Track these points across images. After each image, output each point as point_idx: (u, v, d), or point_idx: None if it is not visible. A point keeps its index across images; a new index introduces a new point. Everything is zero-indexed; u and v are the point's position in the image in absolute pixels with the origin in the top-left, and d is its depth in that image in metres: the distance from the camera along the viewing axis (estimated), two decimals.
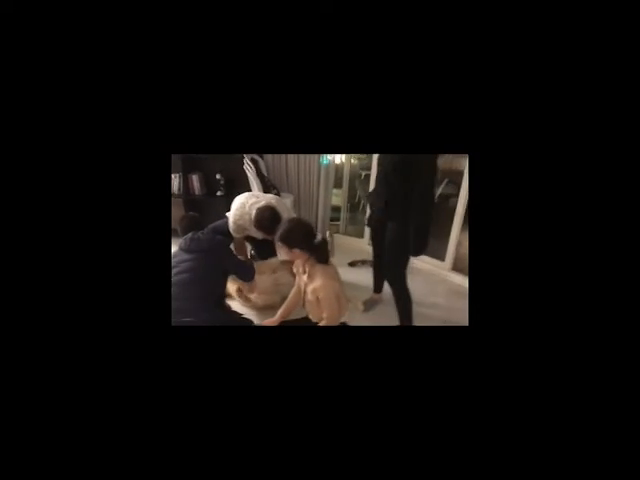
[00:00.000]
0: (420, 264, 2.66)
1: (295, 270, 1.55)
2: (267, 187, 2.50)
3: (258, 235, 1.97)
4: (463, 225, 2.45)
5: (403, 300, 1.73)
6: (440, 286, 2.49)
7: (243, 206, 1.90)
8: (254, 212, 1.81)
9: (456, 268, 2.58)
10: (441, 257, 2.60)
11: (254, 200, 1.91)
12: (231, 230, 1.95)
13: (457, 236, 2.49)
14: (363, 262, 2.70)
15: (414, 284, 1.73)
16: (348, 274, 2.46)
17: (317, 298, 1.42)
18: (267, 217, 1.75)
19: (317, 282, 1.40)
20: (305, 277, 1.45)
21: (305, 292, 1.50)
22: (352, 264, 2.75)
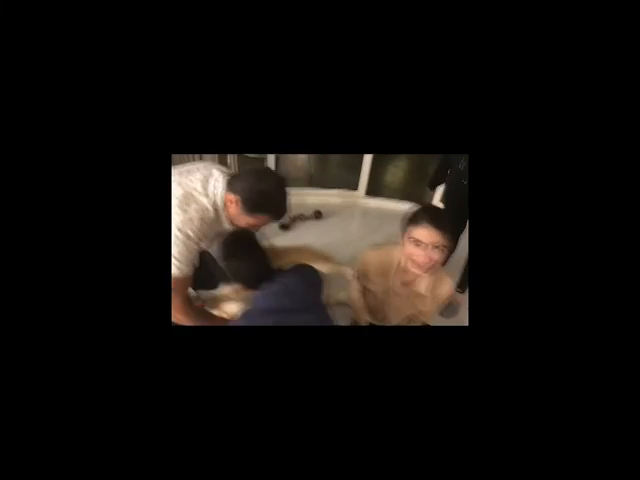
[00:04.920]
0: (333, 199, 2.63)
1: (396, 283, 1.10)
2: None
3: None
4: (374, 155, 2.48)
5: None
6: (357, 217, 2.46)
7: (205, 186, 1.09)
8: (220, 194, 1.09)
9: (370, 193, 2.64)
10: (354, 187, 2.72)
11: (217, 174, 1.14)
12: (184, 240, 1.04)
13: (370, 164, 2.53)
14: (299, 218, 2.01)
15: (335, 222, 1.50)
16: (283, 242, 1.71)
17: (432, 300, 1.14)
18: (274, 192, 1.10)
19: (446, 287, 1.07)
20: (426, 286, 1.09)
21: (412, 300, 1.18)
22: (285, 226, 2.03)
